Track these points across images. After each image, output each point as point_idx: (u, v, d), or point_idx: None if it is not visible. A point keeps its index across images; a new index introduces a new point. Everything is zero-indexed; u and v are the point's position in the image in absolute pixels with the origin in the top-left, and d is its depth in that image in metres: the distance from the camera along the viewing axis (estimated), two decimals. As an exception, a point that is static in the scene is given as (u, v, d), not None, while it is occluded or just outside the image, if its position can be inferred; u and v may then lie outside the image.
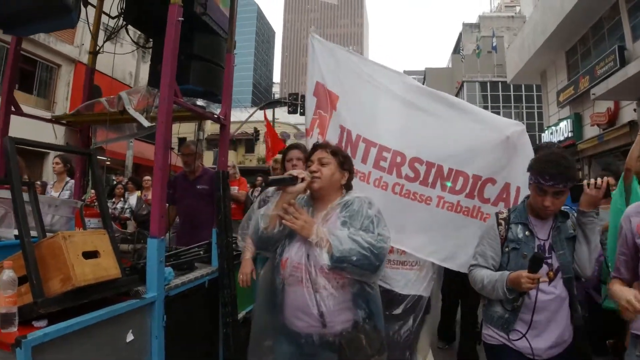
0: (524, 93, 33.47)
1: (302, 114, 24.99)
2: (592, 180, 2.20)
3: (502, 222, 2.41)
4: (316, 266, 2.03)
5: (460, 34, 58.71)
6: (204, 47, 3.41)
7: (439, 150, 2.77)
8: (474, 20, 63.60)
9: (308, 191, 2.25)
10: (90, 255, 2.00)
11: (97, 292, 2.03)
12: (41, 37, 13.70)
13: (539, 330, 2.24)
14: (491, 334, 2.37)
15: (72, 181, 5.61)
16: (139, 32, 4.01)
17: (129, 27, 3.72)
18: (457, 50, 57.66)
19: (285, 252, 2.15)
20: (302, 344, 2.10)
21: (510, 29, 43.25)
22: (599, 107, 16.81)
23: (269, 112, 26.18)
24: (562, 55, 20.68)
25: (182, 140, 16.19)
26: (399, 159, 2.81)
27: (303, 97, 25.02)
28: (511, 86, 31.26)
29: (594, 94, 15.08)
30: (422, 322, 2.95)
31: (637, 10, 14.49)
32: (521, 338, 2.21)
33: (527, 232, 2.35)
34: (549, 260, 2.29)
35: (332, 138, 3.01)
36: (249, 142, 34.40)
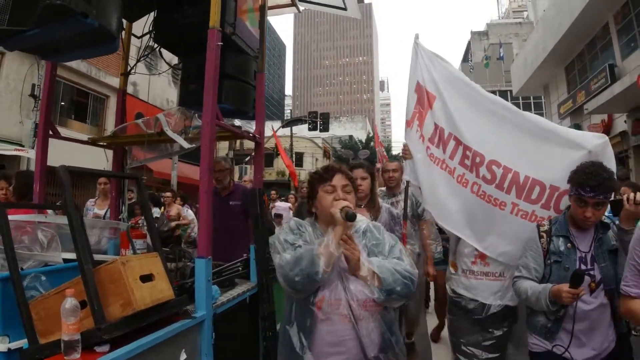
0: (532, 101, 33.36)
1: (322, 130, 25.57)
2: (632, 195, 2.19)
3: (544, 235, 2.44)
4: (359, 300, 1.95)
5: (469, 43, 58.69)
6: (234, 66, 3.47)
7: (518, 157, 2.81)
8: (482, 28, 63.57)
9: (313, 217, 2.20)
10: (146, 278, 2.05)
11: (154, 314, 2.07)
12: (92, 71, 15.37)
13: (582, 338, 2.27)
14: (535, 342, 2.42)
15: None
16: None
17: (161, 50, 3.79)
18: (466, 58, 57.63)
19: (320, 290, 1.99)
20: None
21: (518, 35, 43.04)
22: (595, 119, 18.18)
23: (288, 128, 26.97)
24: (562, 70, 22.27)
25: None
26: (478, 159, 2.90)
27: (322, 114, 25.50)
28: (520, 96, 31.52)
29: (586, 109, 17.04)
30: (509, 332, 2.99)
31: (625, 30, 15.98)
32: (564, 352, 2.24)
33: (568, 245, 2.38)
34: (592, 272, 2.31)
35: (427, 132, 3.25)
36: (268, 157, 35.18)
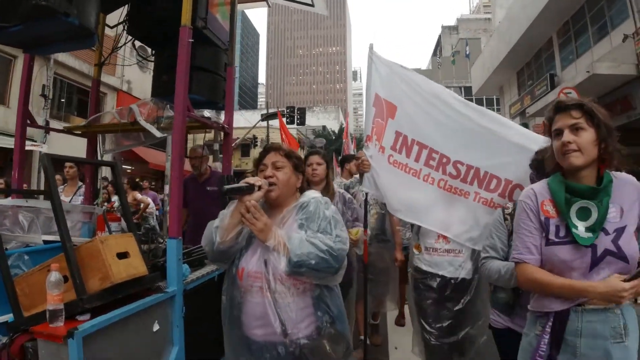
0: (495, 97, 34.55)
1: (299, 124, 26.30)
2: None
3: (508, 217, 2.62)
4: (275, 273, 1.96)
5: (440, 37, 59.57)
6: (204, 59, 3.64)
7: (479, 157, 3.15)
8: (452, 22, 64.51)
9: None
10: (122, 256, 2.26)
11: (129, 288, 2.29)
12: (91, 71, 15.23)
13: None
14: (496, 319, 2.64)
15: (84, 186, 5.87)
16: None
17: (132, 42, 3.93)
18: (437, 52, 58.52)
19: (241, 262, 2.05)
20: (261, 353, 2.00)
21: (487, 30, 44.10)
22: (538, 120, 19.73)
23: (273, 121, 27.99)
24: (514, 75, 25.37)
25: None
26: (444, 160, 3.21)
27: (299, 109, 26.28)
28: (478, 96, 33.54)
29: (528, 113, 19.21)
30: (466, 310, 3.28)
31: (566, 45, 18.82)
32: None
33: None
34: None
35: (388, 143, 3.41)
36: (245, 147, 36.34)
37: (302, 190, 2.25)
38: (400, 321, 5.61)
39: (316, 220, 2.04)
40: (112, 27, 4.06)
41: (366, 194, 3.82)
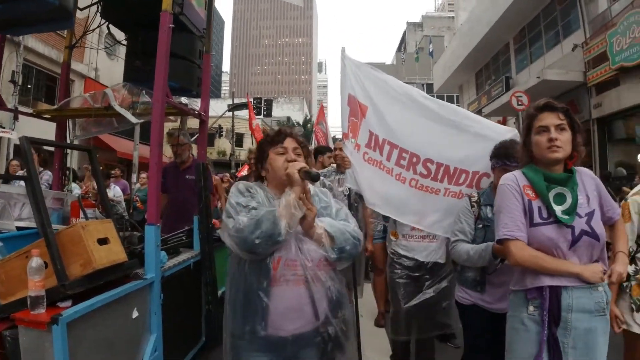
0: (455, 95, 35.70)
1: (266, 115, 26.36)
2: None
3: (475, 205, 2.87)
4: (313, 260, 1.90)
5: (405, 33, 60.32)
6: (179, 45, 3.55)
7: (447, 153, 3.29)
8: (417, 19, 65.53)
9: (266, 182, 2.12)
10: (102, 242, 2.24)
11: (110, 274, 2.27)
12: (61, 58, 15.35)
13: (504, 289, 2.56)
14: (464, 295, 2.84)
15: (47, 172, 5.69)
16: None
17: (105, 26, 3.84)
18: (401, 48, 59.31)
19: (275, 252, 1.90)
20: (284, 349, 1.93)
21: (450, 28, 45.16)
22: (494, 119, 20.90)
23: (238, 111, 28.02)
24: (473, 75, 26.78)
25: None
26: (414, 159, 3.34)
27: (266, 101, 26.49)
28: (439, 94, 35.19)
29: (484, 112, 19.66)
30: (447, 284, 3.52)
31: (521, 50, 20.31)
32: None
33: (497, 209, 2.76)
34: None
35: (363, 139, 3.51)
36: (210, 137, 35.80)
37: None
38: (380, 322, 5.43)
39: (332, 209, 2.09)
40: (82, 10, 3.95)
41: (349, 189, 3.88)
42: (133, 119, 3.21)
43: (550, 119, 2.07)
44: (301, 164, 1.95)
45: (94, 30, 3.93)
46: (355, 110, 3.55)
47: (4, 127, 13.81)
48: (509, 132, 3.26)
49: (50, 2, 2.22)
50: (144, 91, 3.39)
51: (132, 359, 2.49)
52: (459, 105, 30.27)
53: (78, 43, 4.07)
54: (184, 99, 3.62)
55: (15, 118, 13.17)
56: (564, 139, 2.03)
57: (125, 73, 3.78)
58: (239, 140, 37.06)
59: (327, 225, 1.94)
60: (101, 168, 10.93)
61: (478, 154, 3.18)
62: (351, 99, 3.56)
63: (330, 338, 1.95)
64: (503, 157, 2.74)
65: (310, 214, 1.89)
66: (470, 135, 3.25)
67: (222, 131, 33.45)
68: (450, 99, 37.78)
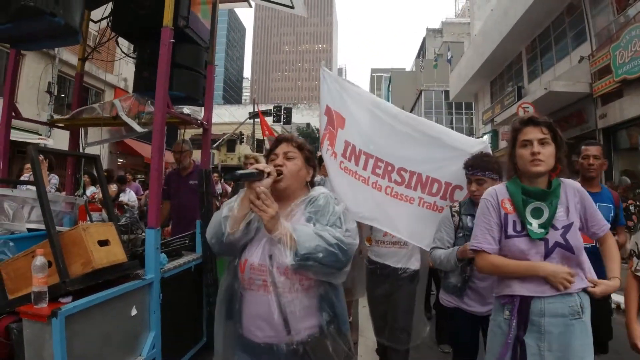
0: (472, 102, 35.67)
1: (285, 122, 27.02)
2: None
3: (455, 214, 3.02)
4: (280, 267, 1.80)
5: (424, 39, 60.17)
6: (185, 56, 3.77)
7: (420, 163, 3.44)
8: (437, 25, 65.32)
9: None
10: (103, 243, 2.41)
11: (109, 273, 2.44)
12: (93, 69, 17.66)
13: (484, 295, 2.77)
14: (448, 299, 2.99)
15: (54, 176, 5.94)
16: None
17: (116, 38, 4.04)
18: (420, 54, 59.19)
19: (244, 253, 1.89)
20: (259, 356, 1.88)
21: (470, 35, 45.08)
22: (507, 127, 21.20)
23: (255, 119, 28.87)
24: (488, 84, 27.17)
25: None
26: (389, 168, 3.50)
27: (286, 109, 27.29)
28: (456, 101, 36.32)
29: (496, 121, 21.18)
30: (414, 291, 3.62)
31: (533, 60, 20.51)
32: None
33: (474, 221, 2.88)
34: None
35: (339, 149, 3.65)
36: (230, 143, 37.04)
37: (312, 185, 2.12)
38: None
39: (326, 215, 1.91)
40: (96, 22, 4.17)
41: None
42: (138, 128, 3.37)
43: (533, 133, 2.13)
44: (260, 165, 1.87)
45: (105, 42, 4.13)
46: (331, 120, 3.70)
47: (41, 135, 14.64)
48: (480, 144, 3.42)
49: (55, 21, 2.41)
50: (149, 101, 3.55)
51: (131, 353, 2.65)
52: (472, 113, 30.51)
53: (91, 55, 4.28)
54: (186, 109, 3.76)
55: (51, 127, 13.84)
56: (547, 152, 2.09)
57: (134, 83, 3.96)
58: (259, 146, 37.75)
59: (293, 228, 1.79)
60: (127, 174, 11.39)
61: (448, 164, 3.33)
62: (328, 110, 3.73)
63: (313, 352, 1.84)
64: (477, 167, 2.88)
65: (262, 214, 1.75)
66: (439, 145, 3.38)
67: (244, 137, 34.11)
68: (466, 107, 37.87)
